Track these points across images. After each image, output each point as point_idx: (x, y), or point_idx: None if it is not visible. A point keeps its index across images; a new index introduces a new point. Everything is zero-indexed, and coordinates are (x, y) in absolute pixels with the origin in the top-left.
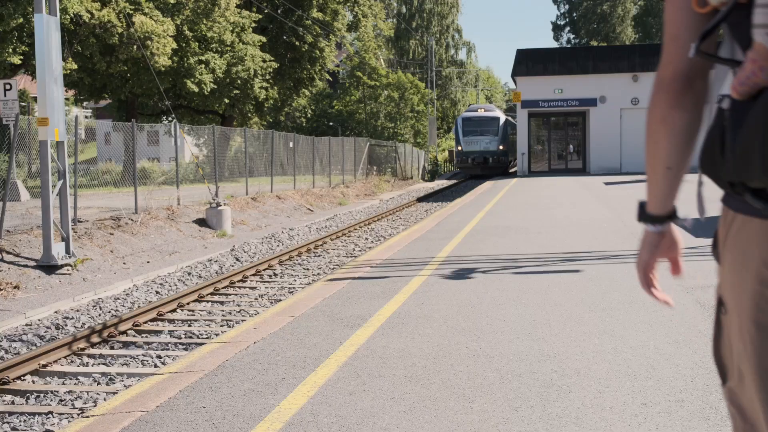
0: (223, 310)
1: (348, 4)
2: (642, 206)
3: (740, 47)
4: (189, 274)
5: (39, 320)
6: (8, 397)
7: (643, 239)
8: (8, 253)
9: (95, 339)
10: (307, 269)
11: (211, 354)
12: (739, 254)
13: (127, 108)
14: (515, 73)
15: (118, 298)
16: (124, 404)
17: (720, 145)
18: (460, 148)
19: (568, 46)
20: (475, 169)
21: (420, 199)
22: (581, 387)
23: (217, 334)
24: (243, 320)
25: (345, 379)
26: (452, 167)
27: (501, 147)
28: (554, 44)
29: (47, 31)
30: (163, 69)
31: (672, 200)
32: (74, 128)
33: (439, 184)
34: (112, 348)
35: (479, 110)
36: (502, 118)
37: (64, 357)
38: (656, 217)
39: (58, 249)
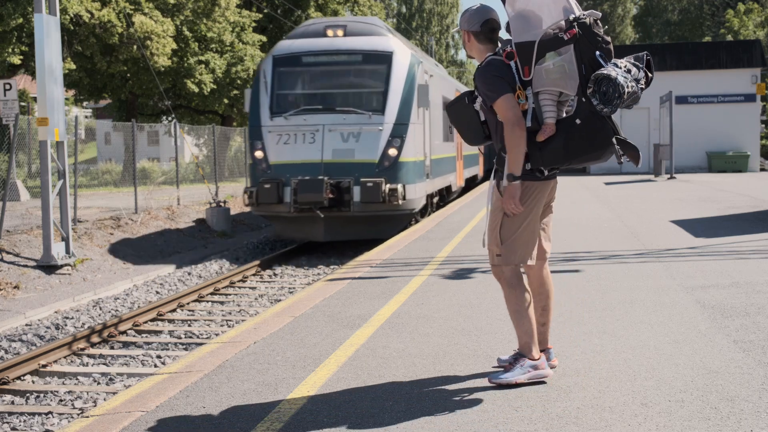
0: (223, 310)
1: (348, 4)
2: (511, 174)
3: (540, 121)
4: (189, 274)
5: (39, 320)
6: (8, 397)
7: (513, 188)
8: (8, 253)
9: (95, 339)
10: (308, 269)
11: (211, 354)
12: (528, 194)
13: (127, 108)
14: None
15: (118, 298)
16: (124, 404)
17: (525, 159)
18: (259, 153)
19: None
20: (301, 228)
21: None
22: (581, 387)
23: (217, 334)
24: (243, 320)
25: (345, 379)
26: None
27: (392, 151)
28: None
29: (47, 31)
30: (162, 69)
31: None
32: (74, 128)
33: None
34: (112, 348)
35: (329, 31)
36: (404, 59)
37: (64, 357)
38: (518, 176)
39: (58, 249)
